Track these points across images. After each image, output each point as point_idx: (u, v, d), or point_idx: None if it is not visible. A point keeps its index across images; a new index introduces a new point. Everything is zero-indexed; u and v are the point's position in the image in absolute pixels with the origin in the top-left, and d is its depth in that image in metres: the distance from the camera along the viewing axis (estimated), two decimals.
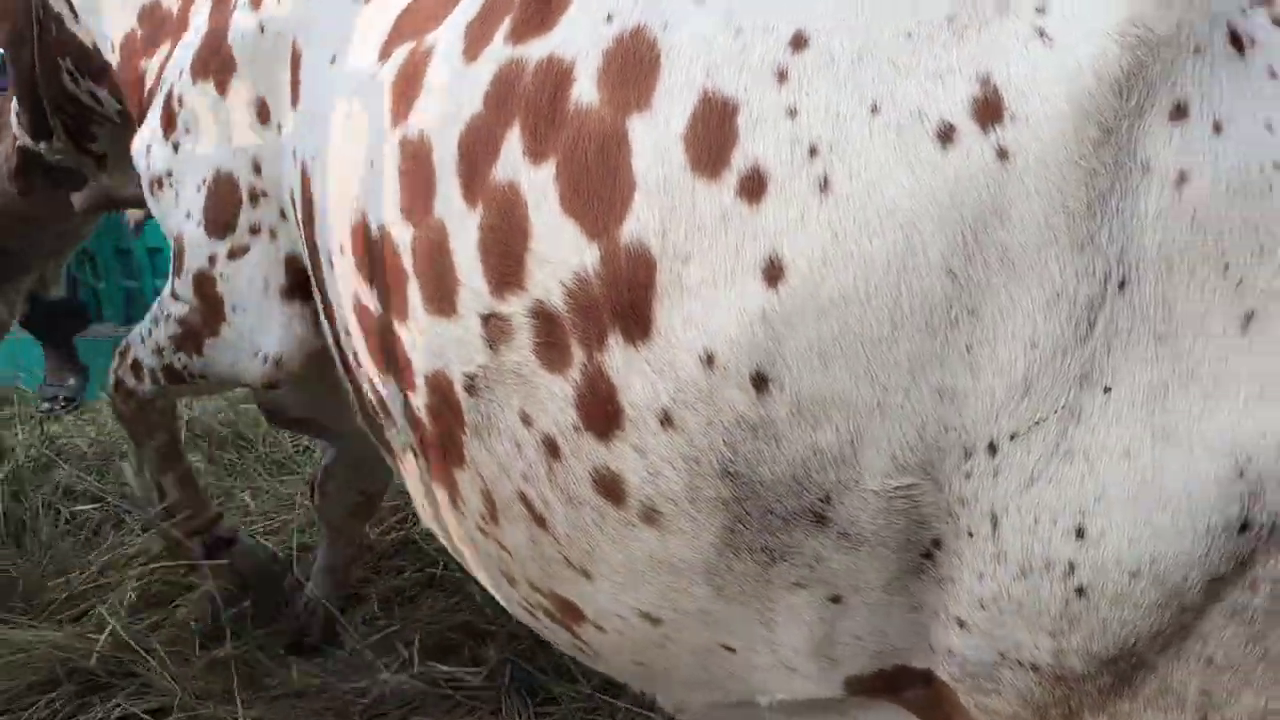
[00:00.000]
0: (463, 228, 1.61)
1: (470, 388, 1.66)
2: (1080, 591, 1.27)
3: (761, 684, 1.65)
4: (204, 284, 2.24)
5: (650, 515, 1.54)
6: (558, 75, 1.52)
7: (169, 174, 2.30)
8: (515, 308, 1.57)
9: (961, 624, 1.38)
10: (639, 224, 1.44)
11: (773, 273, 1.36)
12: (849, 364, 1.35)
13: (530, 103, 1.54)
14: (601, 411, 1.52)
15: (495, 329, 1.59)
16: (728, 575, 1.54)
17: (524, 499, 1.67)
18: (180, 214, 2.29)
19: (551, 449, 1.58)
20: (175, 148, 2.30)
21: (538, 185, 1.52)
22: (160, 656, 2.47)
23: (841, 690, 1.58)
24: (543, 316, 1.54)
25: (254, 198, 2.19)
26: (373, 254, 1.77)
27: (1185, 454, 1.20)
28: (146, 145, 2.37)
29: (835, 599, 1.49)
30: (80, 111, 2.86)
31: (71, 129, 2.91)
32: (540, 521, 1.67)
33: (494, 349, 1.60)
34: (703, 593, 1.59)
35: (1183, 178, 1.18)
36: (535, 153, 1.52)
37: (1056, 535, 1.27)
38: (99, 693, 2.43)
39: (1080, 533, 1.25)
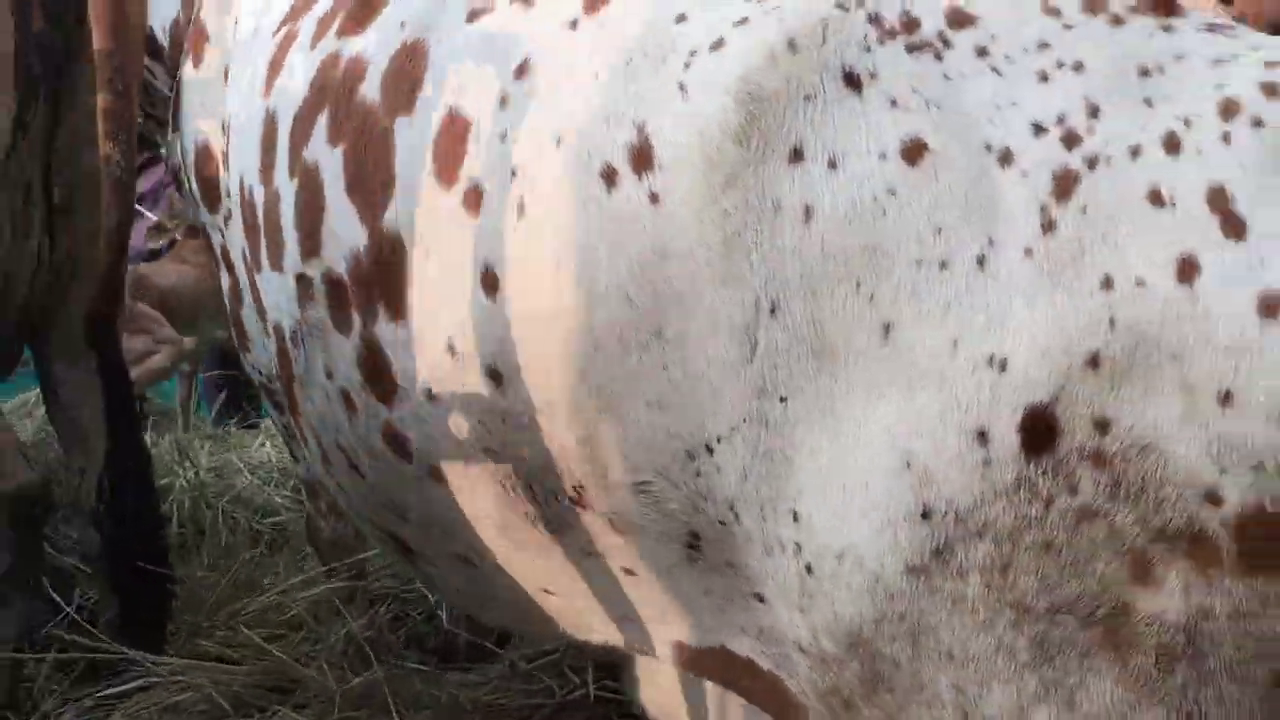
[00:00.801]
0: (288, 195, 1.82)
1: (294, 338, 1.89)
2: (809, 569, 1.39)
3: (588, 626, 1.80)
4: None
5: (437, 474, 1.72)
6: (357, 71, 1.71)
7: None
8: (315, 271, 1.78)
9: (761, 599, 1.50)
10: (395, 215, 1.63)
11: (489, 280, 1.54)
12: (565, 374, 1.49)
13: (336, 93, 1.73)
14: (380, 377, 1.72)
15: (304, 288, 1.81)
16: (520, 535, 1.70)
17: (339, 447, 1.89)
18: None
19: (349, 403, 1.80)
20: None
21: (332, 168, 1.72)
22: (320, 670, 2.54)
23: (671, 653, 1.70)
24: (332, 283, 1.75)
25: (225, 162, 2.23)
26: (245, 209, 2.01)
27: (858, 451, 1.31)
28: None
29: (628, 571, 1.63)
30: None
31: None
32: (355, 469, 1.88)
33: (303, 306, 1.83)
34: (503, 546, 1.75)
35: (808, 212, 1.30)
36: (333, 139, 1.72)
37: (779, 519, 1.39)
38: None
39: (795, 516, 1.37)
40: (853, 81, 1.31)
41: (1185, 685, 1.23)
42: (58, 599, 2.71)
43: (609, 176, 1.41)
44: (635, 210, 1.40)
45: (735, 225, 1.34)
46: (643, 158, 1.39)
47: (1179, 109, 1.21)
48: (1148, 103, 1.22)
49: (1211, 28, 1.30)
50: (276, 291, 1.90)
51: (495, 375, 1.55)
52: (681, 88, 1.39)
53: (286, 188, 1.82)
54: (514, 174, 1.50)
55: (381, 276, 1.66)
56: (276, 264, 1.88)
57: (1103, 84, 1.24)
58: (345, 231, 1.70)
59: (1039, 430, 1.20)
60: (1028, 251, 1.20)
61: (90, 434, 2.75)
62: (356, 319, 1.72)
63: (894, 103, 1.29)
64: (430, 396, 1.64)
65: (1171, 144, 1.19)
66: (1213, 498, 1.16)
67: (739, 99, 1.33)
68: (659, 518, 1.51)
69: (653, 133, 1.39)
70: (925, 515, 1.28)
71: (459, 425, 1.63)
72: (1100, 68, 1.26)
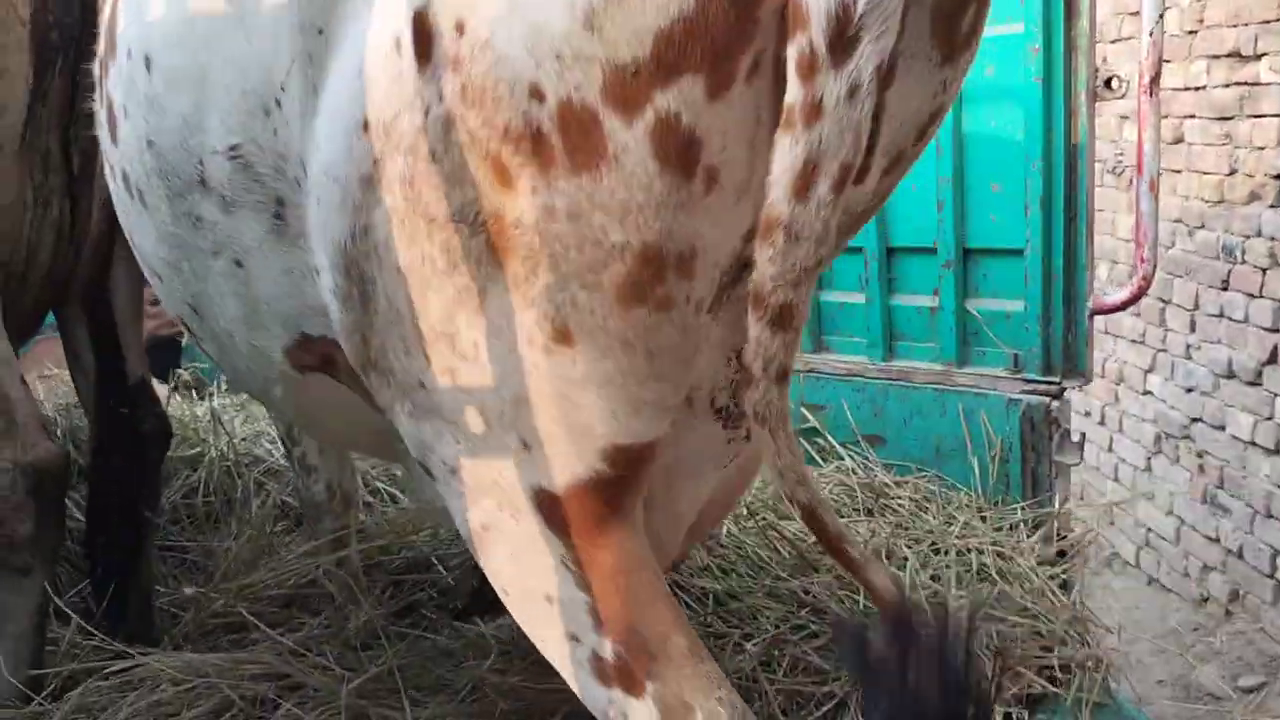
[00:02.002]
0: None
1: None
2: (318, 201, 1.55)
3: (229, 334, 1.99)
4: None
5: (135, 192, 1.98)
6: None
7: None
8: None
9: (318, 272, 1.64)
10: None
11: None
12: (183, 46, 1.73)
13: None
14: (107, 117, 2.02)
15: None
16: (182, 247, 1.92)
17: (124, 177, 2.06)
18: None
19: (112, 133, 2.03)
20: None
21: None
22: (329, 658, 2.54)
23: (283, 359, 1.88)
24: None
25: None
26: None
27: (346, 68, 1.46)
28: None
29: (238, 263, 1.80)
30: None
31: None
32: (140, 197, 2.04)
33: None
34: (170, 256, 1.99)
35: None
36: None
37: (309, 156, 1.55)
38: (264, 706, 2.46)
39: (318, 146, 1.52)
40: None
41: (549, 289, 1.34)
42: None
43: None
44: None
45: None
46: None
47: None
48: None
49: None
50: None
51: (148, 61, 1.81)
52: None
53: None
54: None
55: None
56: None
57: None
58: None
59: (422, 35, 1.31)
60: None
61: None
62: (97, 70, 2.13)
63: None
64: (125, 113, 1.93)
65: None
66: (536, 93, 1.25)
67: None
68: (251, 184, 1.68)
69: None
70: (366, 127, 1.41)
71: (138, 132, 1.89)
72: None
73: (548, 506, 1.51)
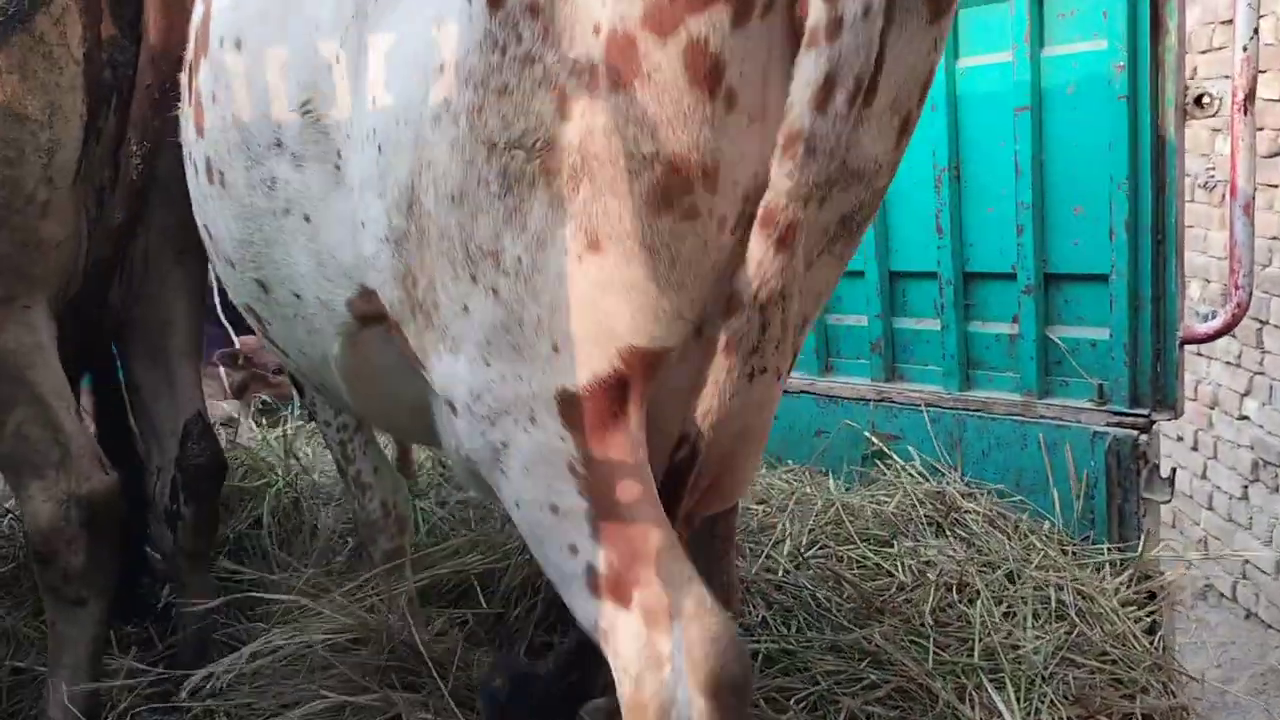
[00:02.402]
0: None
1: None
2: (380, 149, 1.74)
3: (302, 312, 2.18)
4: None
5: (216, 175, 2.19)
6: None
7: None
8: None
9: (363, 224, 1.84)
10: None
11: None
12: (270, 18, 1.96)
13: None
14: (194, 113, 2.24)
15: None
16: (255, 218, 2.12)
17: (206, 165, 2.26)
18: None
19: (198, 127, 2.25)
20: None
21: None
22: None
23: (348, 313, 2.05)
24: None
25: None
26: None
27: (416, 22, 1.67)
28: None
29: (307, 218, 2.00)
30: None
31: None
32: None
33: None
34: (242, 233, 2.18)
35: None
36: None
37: (363, 106, 1.78)
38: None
39: (374, 102, 1.75)
40: None
41: (586, 202, 1.55)
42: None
43: None
44: None
45: None
46: None
47: None
48: None
49: None
50: None
51: (237, 45, 2.06)
52: None
53: None
54: None
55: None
56: None
57: None
58: None
59: None
60: None
61: (165, 434, 2.77)
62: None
63: None
64: (213, 99, 2.15)
65: None
66: (597, 29, 1.47)
67: None
68: (320, 137, 1.90)
69: None
70: (441, 69, 1.61)
71: (224, 114, 2.14)
72: None
73: (567, 406, 1.69)
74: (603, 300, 1.61)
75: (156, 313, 2.70)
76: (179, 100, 2.42)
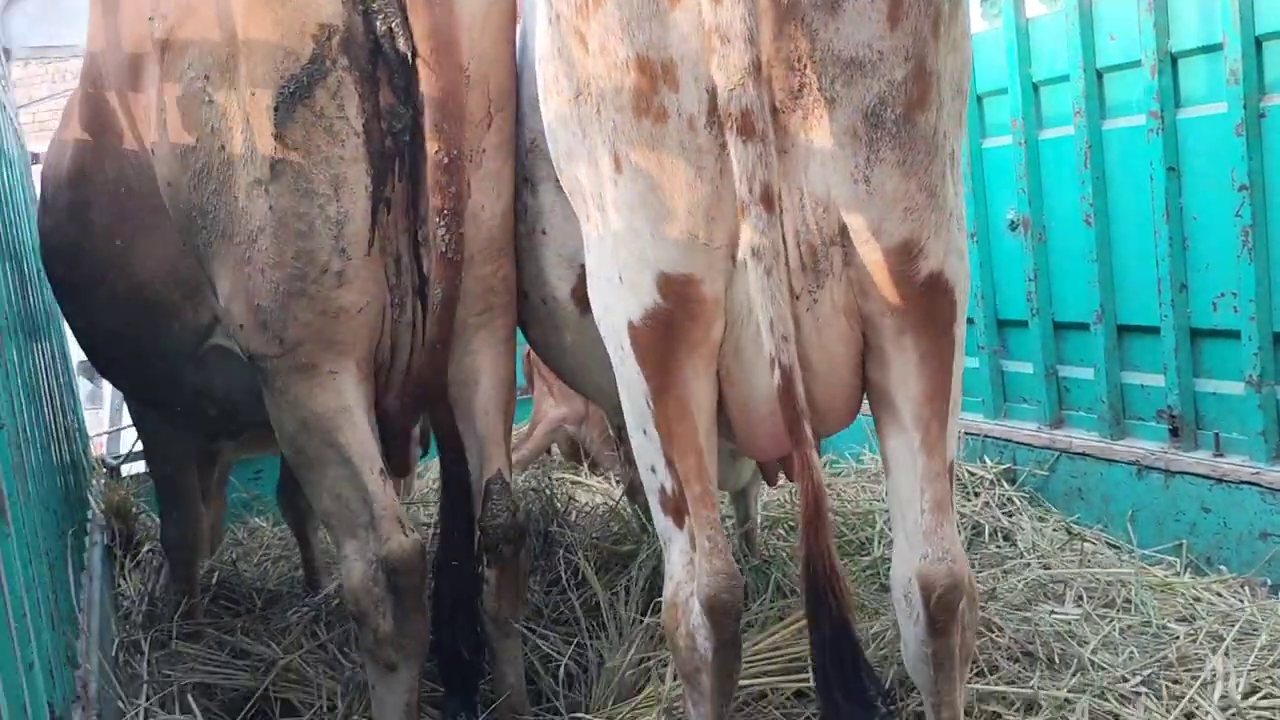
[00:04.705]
0: None
1: None
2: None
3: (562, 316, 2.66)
4: None
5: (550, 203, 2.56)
6: None
7: None
8: None
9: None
10: None
11: None
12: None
13: None
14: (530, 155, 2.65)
15: None
16: (570, 219, 2.30)
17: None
18: None
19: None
20: None
21: None
22: None
23: (570, 301, 2.59)
24: None
25: None
26: None
27: None
28: None
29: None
30: None
31: None
32: None
33: None
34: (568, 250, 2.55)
35: None
36: None
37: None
38: None
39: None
40: None
41: (603, 124, 1.84)
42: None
43: None
44: None
45: None
46: None
47: None
48: None
49: None
50: None
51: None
52: None
53: None
54: None
55: None
56: None
57: None
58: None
59: None
60: None
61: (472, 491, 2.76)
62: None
63: None
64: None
65: None
66: None
67: None
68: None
69: None
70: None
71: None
72: None
73: (634, 338, 1.93)
74: (632, 219, 1.83)
75: (460, 370, 2.72)
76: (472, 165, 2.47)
